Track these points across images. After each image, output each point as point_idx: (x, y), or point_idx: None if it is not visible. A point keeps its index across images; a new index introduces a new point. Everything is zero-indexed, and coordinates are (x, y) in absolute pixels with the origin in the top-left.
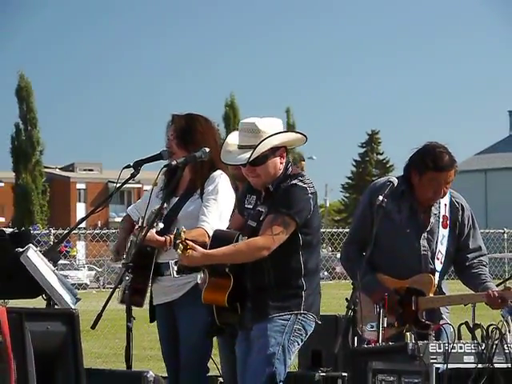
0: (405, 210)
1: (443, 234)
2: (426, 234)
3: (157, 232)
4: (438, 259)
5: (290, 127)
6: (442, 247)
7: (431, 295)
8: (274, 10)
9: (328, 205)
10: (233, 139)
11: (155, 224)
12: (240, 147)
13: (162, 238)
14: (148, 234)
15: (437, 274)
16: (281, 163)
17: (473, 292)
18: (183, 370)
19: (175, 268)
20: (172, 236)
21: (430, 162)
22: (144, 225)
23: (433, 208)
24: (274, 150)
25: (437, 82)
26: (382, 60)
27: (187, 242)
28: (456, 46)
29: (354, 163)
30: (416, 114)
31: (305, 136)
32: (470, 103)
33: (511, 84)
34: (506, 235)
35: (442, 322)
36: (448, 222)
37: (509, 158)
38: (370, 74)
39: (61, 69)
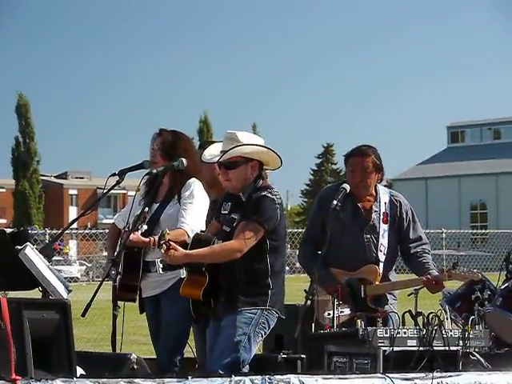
0: (348, 208)
1: (384, 228)
2: (368, 229)
3: (142, 233)
4: (381, 251)
5: None
6: (383, 240)
7: (377, 283)
8: (238, 33)
9: (289, 208)
10: (214, 148)
11: (140, 227)
12: (221, 152)
13: (147, 239)
14: (133, 235)
15: (381, 265)
16: (252, 174)
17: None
18: (161, 353)
19: (161, 265)
20: (156, 237)
21: (349, 152)
22: (130, 228)
23: (373, 206)
24: (248, 160)
25: (383, 99)
26: (334, 82)
27: (170, 243)
28: (402, 65)
29: (312, 172)
30: (366, 128)
31: (279, 157)
32: (413, 119)
33: (448, 102)
34: (444, 235)
35: (388, 311)
36: (388, 218)
37: (446, 167)
38: (325, 94)
39: (55, 87)
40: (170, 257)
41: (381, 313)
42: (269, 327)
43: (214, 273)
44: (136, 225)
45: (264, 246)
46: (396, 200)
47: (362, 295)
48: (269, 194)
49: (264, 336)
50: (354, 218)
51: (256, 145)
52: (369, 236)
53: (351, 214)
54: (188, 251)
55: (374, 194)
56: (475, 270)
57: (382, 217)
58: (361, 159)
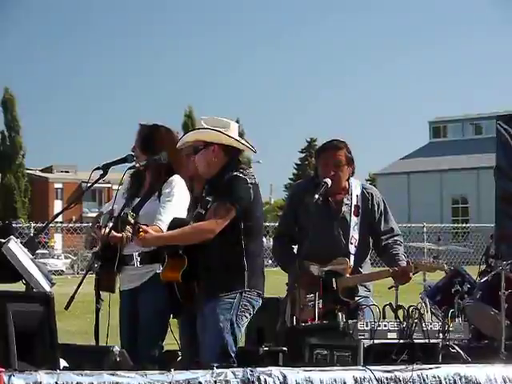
0: (319, 202)
1: (355, 221)
2: (338, 221)
3: (116, 229)
4: (351, 243)
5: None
6: (354, 233)
7: (347, 276)
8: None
9: (272, 202)
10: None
11: (108, 224)
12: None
13: (119, 235)
14: (106, 232)
15: (352, 257)
16: (215, 157)
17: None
18: (141, 347)
19: (138, 259)
20: (122, 222)
21: (319, 147)
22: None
23: (344, 199)
24: (207, 145)
25: (366, 95)
26: (316, 78)
27: (140, 226)
28: (385, 60)
29: (295, 166)
30: (348, 123)
31: (237, 140)
32: (395, 114)
33: (430, 98)
34: (425, 229)
35: (364, 303)
36: (360, 211)
37: (428, 162)
38: (308, 90)
39: (41, 80)
40: (140, 240)
41: (352, 305)
42: (253, 308)
43: (193, 256)
44: (103, 222)
45: (237, 226)
46: (368, 192)
47: (334, 287)
48: (240, 174)
49: (249, 317)
50: (325, 211)
51: (211, 129)
52: (339, 229)
53: (322, 207)
54: (159, 234)
55: (347, 186)
56: (444, 263)
57: (353, 209)
58: (333, 153)
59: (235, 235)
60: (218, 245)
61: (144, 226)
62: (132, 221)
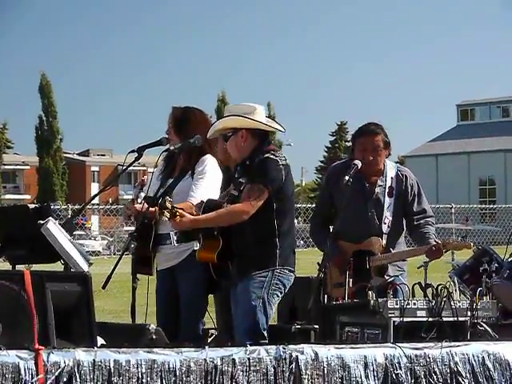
0: (354, 183)
1: (389, 202)
2: (372, 202)
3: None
4: (385, 223)
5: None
6: (388, 213)
7: (380, 255)
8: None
9: (304, 184)
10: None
11: (138, 195)
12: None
13: (152, 209)
14: (137, 206)
15: (384, 236)
16: (244, 142)
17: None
18: (184, 324)
19: (175, 238)
20: (160, 207)
21: (359, 130)
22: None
23: (378, 180)
24: (236, 131)
25: (395, 78)
26: (347, 61)
27: (176, 209)
28: (414, 44)
29: (326, 149)
30: (378, 106)
31: (261, 122)
32: (424, 97)
33: (458, 81)
34: (453, 209)
35: (398, 282)
36: (394, 192)
37: (456, 144)
38: (339, 74)
39: (77, 67)
40: (177, 223)
41: (385, 283)
42: (284, 286)
43: (227, 236)
44: (134, 195)
45: (270, 206)
46: (402, 174)
47: (367, 266)
48: (272, 156)
49: (281, 295)
50: (359, 193)
51: (236, 115)
52: (373, 209)
53: (357, 188)
54: (195, 216)
55: (382, 168)
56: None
57: (387, 190)
58: (371, 139)
59: (268, 215)
60: (252, 224)
61: (180, 210)
62: (169, 206)
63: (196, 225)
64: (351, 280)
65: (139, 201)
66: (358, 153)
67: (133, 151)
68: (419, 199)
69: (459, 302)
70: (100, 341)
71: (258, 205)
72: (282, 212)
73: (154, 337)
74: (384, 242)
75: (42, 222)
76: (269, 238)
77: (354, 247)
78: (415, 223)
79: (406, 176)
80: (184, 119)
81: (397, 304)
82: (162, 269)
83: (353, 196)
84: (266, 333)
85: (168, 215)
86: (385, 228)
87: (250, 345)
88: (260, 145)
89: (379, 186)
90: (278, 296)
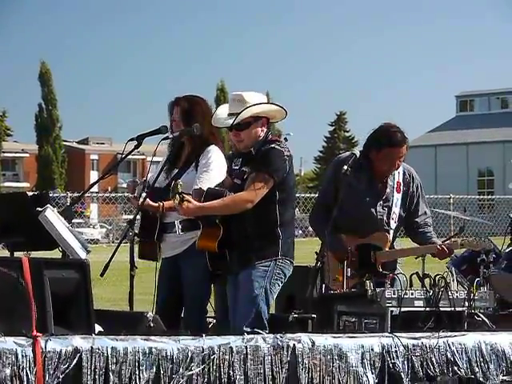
0: (363, 182)
1: (397, 197)
2: (381, 202)
3: (152, 199)
4: (392, 219)
5: None
6: (396, 209)
7: (387, 250)
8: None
9: (303, 174)
10: (222, 109)
11: (142, 194)
12: (229, 114)
13: (155, 204)
14: (144, 201)
15: (391, 232)
16: (262, 131)
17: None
18: (187, 312)
19: (180, 226)
20: (170, 192)
21: (386, 140)
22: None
23: (388, 180)
24: (257, 119)
25: (395, 69)
26: (346, 52)
27: (184, 195)
28: (414, 36)
29: (325, 139)
30: (377, 97)
31: (284, 110)
32: (424, 88)
33: (457, 72)
34: (451, 200)
35: (396, 272)
36: (401, 188)
37: (455, 135)
38: (338, 64)
39: (77, 55)
40: (183, 209)
41: (389, 277)
42: (285, 276)
43: (228, 225)
44: (138, 192)
45: (273, 196)
46: (409, 174)
47: (372, 260)
48: (277, 146)
49: (281, 285)
50: (369, 192)
51: (264, 103)
52: (382, 208)
53: (365, 187)
54: (201, 204)
55: None
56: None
57: (395, 186)
58: (401, 150)
59: (271, 205)
60: (254, 214)
61: (188, 197)
62: (180, 190)
63: (202, 212)
64: (353, 272)
65: (141, 200)
66: (385, 161)
67: (132, 139)
68: (422, 201)
69: (457, 292)
70: (98, 328)
71: (262, 194)
72: (285, 202)
73: (152, 325)
74: (390, 237)
75: (39, 209)
76: (271, 228)
77: (357, 240)
78: (417, 224)
79: (412, 177)
80: (191, 110)
81: (394, 294)
82: (166, 257)
83: (362, 193)
84: (266, 322)
85: (178, 200)
86: (392, 223)
87: (248, 333)
88: (267, 133)
89: (389, 185)
90: (278, 285)
